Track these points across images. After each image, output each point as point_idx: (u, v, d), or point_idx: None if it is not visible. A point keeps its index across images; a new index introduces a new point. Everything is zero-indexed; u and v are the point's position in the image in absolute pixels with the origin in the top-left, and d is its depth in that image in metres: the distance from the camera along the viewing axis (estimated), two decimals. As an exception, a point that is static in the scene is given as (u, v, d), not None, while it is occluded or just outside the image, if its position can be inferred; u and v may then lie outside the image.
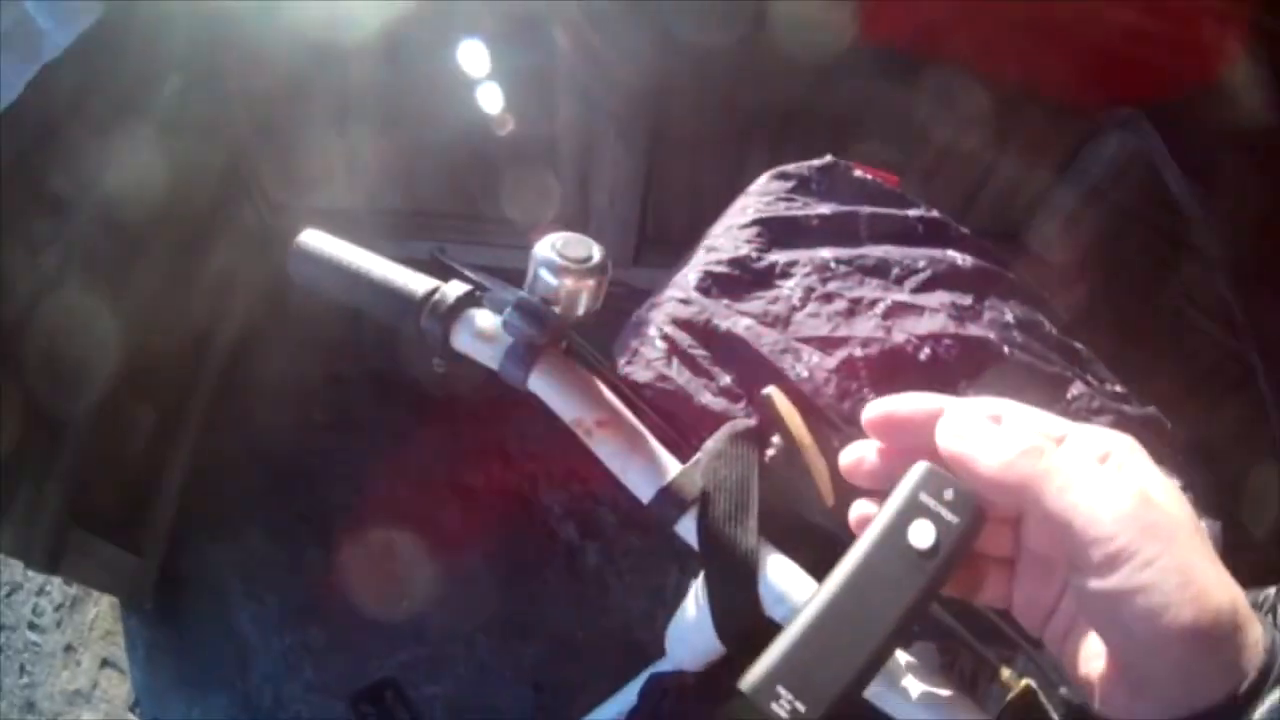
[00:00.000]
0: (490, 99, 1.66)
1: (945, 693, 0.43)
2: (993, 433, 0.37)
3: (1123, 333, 1.58)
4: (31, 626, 1.75)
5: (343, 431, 1.93)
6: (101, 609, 1.76)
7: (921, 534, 0.37)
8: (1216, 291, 1.55)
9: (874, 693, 0.43)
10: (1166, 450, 0.58)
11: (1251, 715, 0.31)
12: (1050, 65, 1.61)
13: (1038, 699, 0.41)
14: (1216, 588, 0.32)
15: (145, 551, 1.70)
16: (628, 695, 0.87)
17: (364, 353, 1.99)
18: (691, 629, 0.56)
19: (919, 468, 0.39)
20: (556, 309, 0.49)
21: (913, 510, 0.38)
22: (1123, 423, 0.57)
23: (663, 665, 0.75)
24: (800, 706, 0.35)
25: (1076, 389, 0.57)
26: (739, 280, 0.63)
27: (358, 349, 1.98)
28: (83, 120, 1.40)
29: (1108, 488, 0.34)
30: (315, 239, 0.58)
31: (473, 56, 1.60)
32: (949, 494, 0.38)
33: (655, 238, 2.00)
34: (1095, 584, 0.33)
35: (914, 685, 0.42)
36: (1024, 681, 0.42)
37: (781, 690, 0.36)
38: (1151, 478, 0.35)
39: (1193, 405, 1.48)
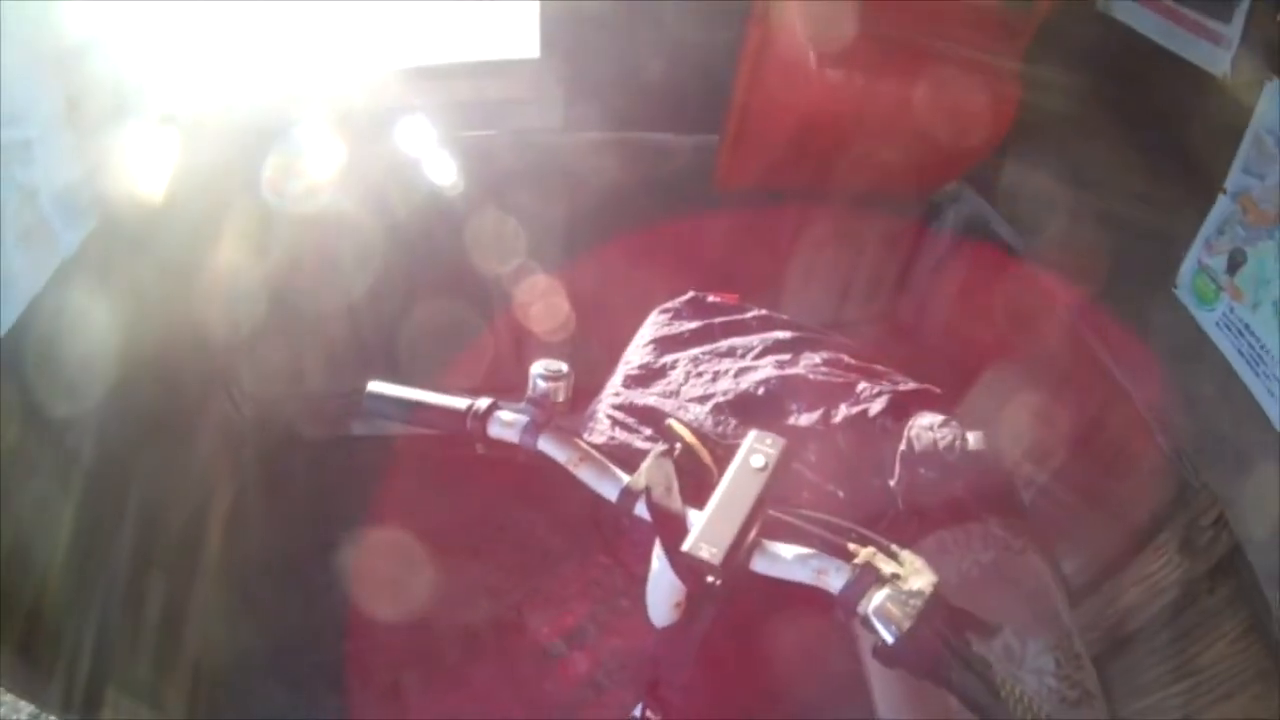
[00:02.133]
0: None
1: (808, 552, 0.88)
2: None
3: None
4: (54, 802, 1.98)
5: (338, 589, 2.29)
6: (128, 777, 2.02)
7: (757, 460, 0.85)
8: (1061, 313, 2.11)
9: (767, 566, 0.88)
10: (939, 407, 1.07)
11: None
12: (883, 171, 2.22)
13: (875, 560, 0.85)
14: None
15: (171, 710, 1.96)
16: None
17: (350, 522, 2.38)
18: (658, 578, 1.01)
19: (752, 434, 0.88)
20: (547, 401, 0.97)
21: (750, 451, 0.86)
22: (899, 397, 1.07)
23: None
24: (714, 549, 0.81)
25: (861, 385, 1.08)
26: (645, 376, 1.14)
27: (343, 520, 2.38)
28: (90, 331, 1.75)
29: None
30: (379, 386, 1.05)
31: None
32: (769, 441, 0.86)
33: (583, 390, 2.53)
34: None
35: (788, 553, 0.88)
36: (865, 549, 0.86)
37: (703, 544, 0.82)
38: None
39: (1059, 402, 2.03)
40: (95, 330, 1.76)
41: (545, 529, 2.49)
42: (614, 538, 1.08)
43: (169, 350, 2.03)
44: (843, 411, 1.06)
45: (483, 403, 1.01)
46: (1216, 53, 1.73)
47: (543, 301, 2.36)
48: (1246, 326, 1.66)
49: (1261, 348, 1.63)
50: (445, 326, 2.37)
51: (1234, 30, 1.69)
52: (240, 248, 2.13)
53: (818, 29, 1.90)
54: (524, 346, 2.48)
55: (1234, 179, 1.71)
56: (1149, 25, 1.89)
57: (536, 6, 2.11)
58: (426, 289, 2.26)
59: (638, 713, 1.21)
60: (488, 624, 2.31)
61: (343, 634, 2.24)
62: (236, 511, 2.36)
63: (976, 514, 2.14)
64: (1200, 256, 1.78)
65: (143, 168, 1.87)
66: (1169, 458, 1.82)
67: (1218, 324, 1.73)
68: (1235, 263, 1.70)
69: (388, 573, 2.35)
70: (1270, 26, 1.59)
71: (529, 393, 0.99)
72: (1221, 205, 1.74)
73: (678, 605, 1.05)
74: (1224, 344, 1.72)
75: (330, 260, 2.23)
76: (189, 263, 2.05)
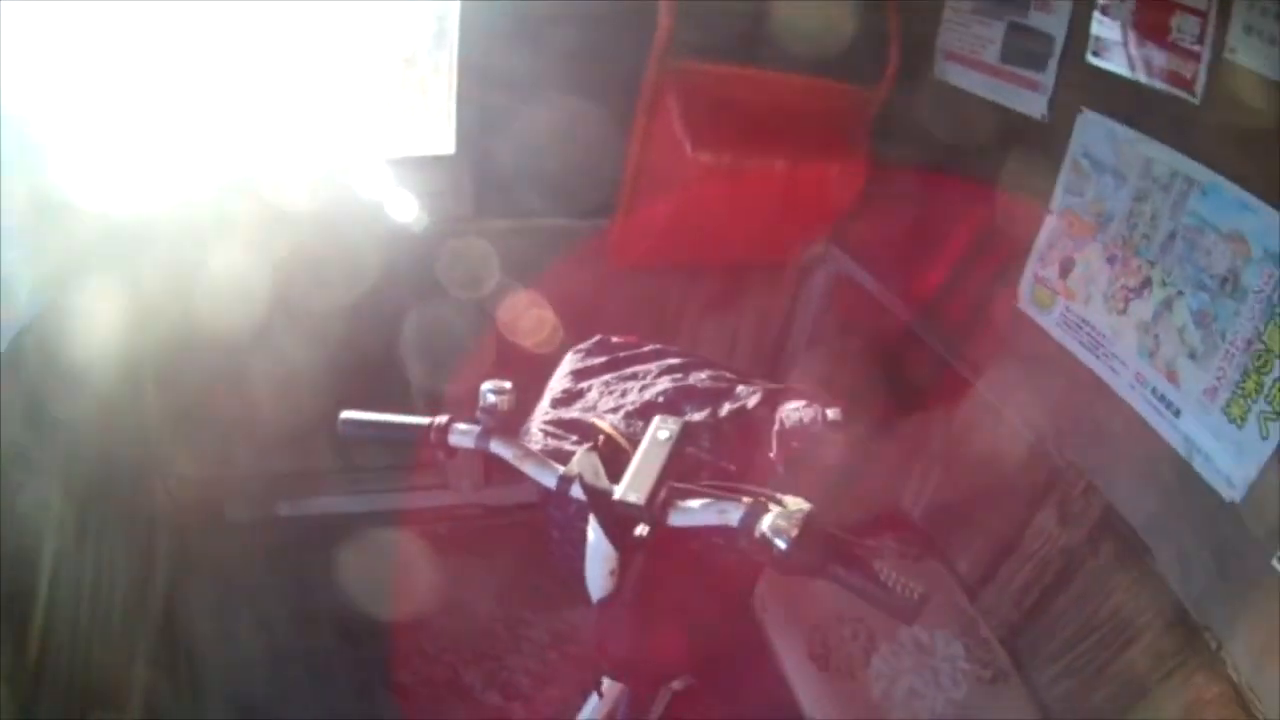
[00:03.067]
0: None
1: (711, 501, 1.19)
2: None
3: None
4: None
5: (274, 663, 2.48)
6: None
7: (663, 434, 1.18)
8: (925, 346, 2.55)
9: (681, 518, 1.20)
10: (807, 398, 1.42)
11: None
12: (755, 240, 2.64)
13: (767, 506, 1.16)
14: None
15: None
16: None
17: (283, 599, 2.57)
18: (594, 550, 1.30)
19: (657, 418, 1.20)
20: (496, 410, 1.27)
21: (657, 429, 1.19)
22: (771, 392, 1.42)
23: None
24: (638, 494, 1.15)
25: (740, 388, 1.44)
26: (567, 399, 1.48)
27: (276, 597, 2.57)
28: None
29: None
30: (353, 414, 1.35)
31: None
32: (670, 421, 1.19)
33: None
34: None
35: (696, 504, 1.20)
36: (760, 499, 1.18)
37: (629, 492, 1.15)
38: None
39: (934, 424, 2.41)
40: (31, 412, 1.83)
41: (474, 594, 2.71)
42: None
43: (105, 430, 2.17)
44: (727, 407, 1.41)
45: (442, 418, 1.32)
46: (1035, 98, 2.16)
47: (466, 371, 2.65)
48: (1083, 320, 2.06)
49: (1099, 334, 2.01)
50: (371, 402, 2.61)
51: (1049, 77, 2.12)
52: (174, 332, 2.33)
53: (689, 120, 2.32)
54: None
55: (1058, 199, 2.12)
56: (977, 84, 2.35)
57: (453, 109, 2.48)
58: (353, 367, 2.50)
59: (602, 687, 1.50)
60: (423, 683, 2.51)
61: (280, 701, 2.42)
62: (171, 592, 2.49)
63: (872, 534, 2.48)
64: (1035, 270, 2.19)
65: (88, 257, 2.06)
66: (1035, 447, 2.19)
67: (1058, 323, 2.13)
68: (1066, 269, 2.10)
69: (323, 643, 2.54)
70: (1080, 69, 2.00)
71: (480, 405, 1.29)
72: (1049, 224, 2.15)
73: (612, 573, 1.34)
74: (1066, 339, 2.11)
75: (259, 342, 2.44)
76: (125, 346, 2.20)
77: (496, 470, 2.77)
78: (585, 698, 1.56)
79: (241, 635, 2.54)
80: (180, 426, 2.60)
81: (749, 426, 1.39)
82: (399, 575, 2.66)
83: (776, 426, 1.38)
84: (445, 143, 2.52)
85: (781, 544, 1.08)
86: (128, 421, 2.38)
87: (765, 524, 1.11)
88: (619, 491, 1.15)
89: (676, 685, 1.78)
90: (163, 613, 2.44)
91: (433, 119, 2.52)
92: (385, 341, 2.62)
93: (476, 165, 2.55)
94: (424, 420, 1.32)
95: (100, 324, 2.04)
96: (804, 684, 2.20)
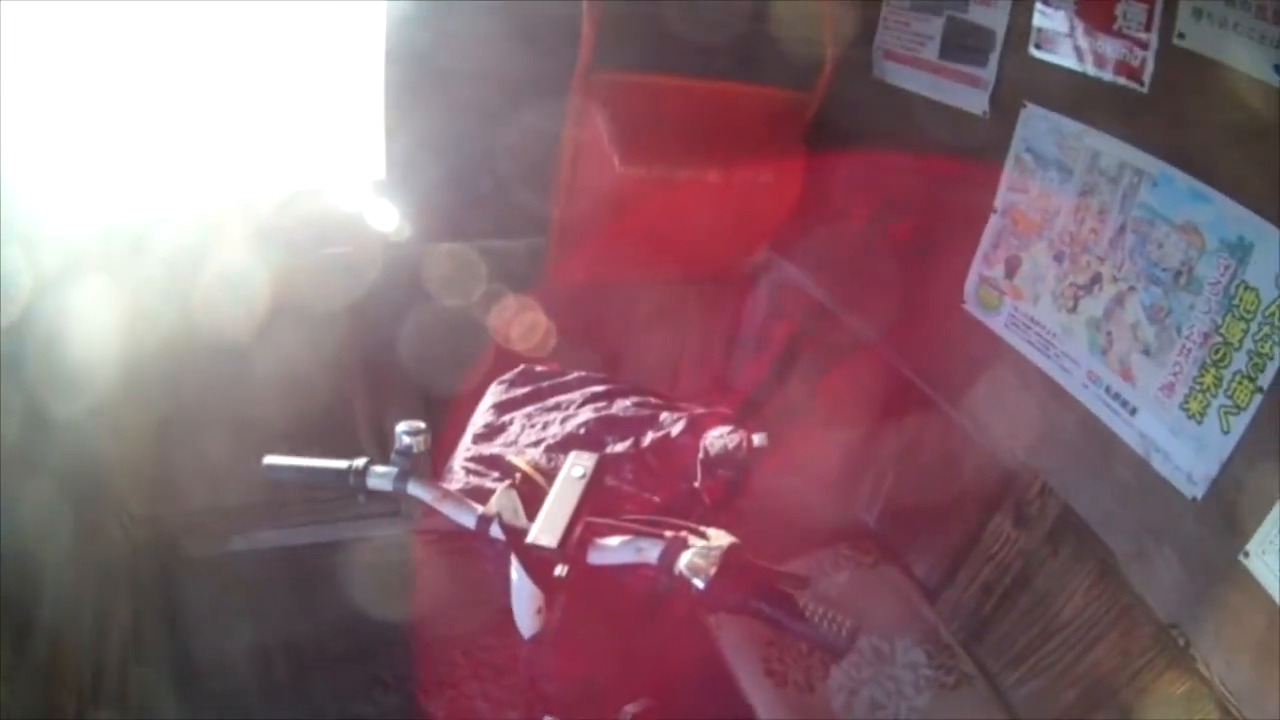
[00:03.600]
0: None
1: (630, 539, 1.19)
2: None
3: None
4: None
5: (237, 698, 2.46)
6: None
7: (577, 471, 1.17)
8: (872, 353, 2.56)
9: (600, 557, 1.20)
10: (729, 422, 1.42)
11: None
12: (695, 252, 2.65)
13: (683, 535, 1.16)
14: None
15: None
16: None
17: (244, 633, 2.55)
18: (518, 589, 1.30)
19: (572, 455, 1.19)
20: (412, 452, 1.26)
21: (572, 466, 1.18)
22: (695, 419, 1.41)
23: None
24: (550, 536, 1.14)
25: (664, 416, 1.44)
26: (489, 434, 1.47)
27: (236, 632, 2.54)
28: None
29: None
30: (275, 459, 1.34)
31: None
32: (585, 457, 1.18)
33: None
34: None
35: (615, 543, 1.19)
36: (680, 534, 1.17)
37: (541, 535, 1.14)
38: None
39: (884, 429, 2.42)
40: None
41: (431, 620, 2.70)
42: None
43: (61, 469, 2.12)
44: (650, 436, 1.41)
45: (360, 461, 1.32)
46: (976, 94, 2.15)
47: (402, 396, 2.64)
48: (1031, 319, 2.05)
49: (1048, 334, 2.01)
50: (314, 435, 2.60)
51: (990, 72, 2.11)
52: (122, 366, 2.30)
53: (618, 133, 2.32)
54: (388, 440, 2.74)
55: (1001, 197, 2.11)
56: (917, 82, 2.34)
57: (383, 132, 2.47)
58: (299, 400, 2.48)
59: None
60: (382, 713, 2.50)
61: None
62: (134, 630, 2.45)
63: (823, 542, 2.48)
64: (980, 271, 2.19)
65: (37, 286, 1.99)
66: (988, 449, 2.19)
67: (1005, 325, 2.12)
68: (1012, 268, 2.09)
69: (286, 677, 2.52)
70: (1022, 62, 2.00)
71: (395, 447, 1.28)
72: (993, 223, 2.14)
73: (538, 611, 1.34)
74: (1014, 340, 2.10)
75: (207, 377, 2.44)
76: (73, 379, 2.14)
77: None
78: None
79: (197, 671, 2.52)
80: (133, 462, 2.56)
81: (673, 455, 1.39)
82: (355, 605, 2.64)
83: (701, 455, 1.38)
84: (376, 167, 2.51)
85: (699, 583, 1.08)
86: (80, 459, 2.35)
87: (683, 562, 1.10)
88: (532, 534, 1.15)
89: (632, 709, 1.78)
90: (122, 653, 2.40)
91: (365, 142, 2.51)
92: (334, 373, 2.61)
93: (409, 188, 2.53)
94: (342, 464, 1.32)
95: (52, 356, 2.03)
96: (762, 700, 2.17)
